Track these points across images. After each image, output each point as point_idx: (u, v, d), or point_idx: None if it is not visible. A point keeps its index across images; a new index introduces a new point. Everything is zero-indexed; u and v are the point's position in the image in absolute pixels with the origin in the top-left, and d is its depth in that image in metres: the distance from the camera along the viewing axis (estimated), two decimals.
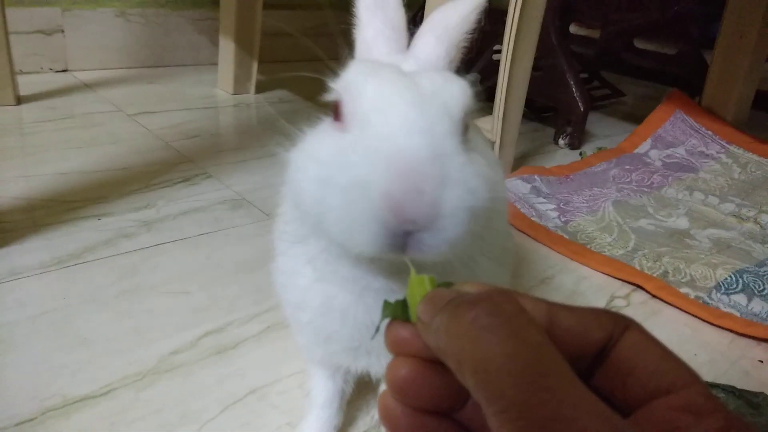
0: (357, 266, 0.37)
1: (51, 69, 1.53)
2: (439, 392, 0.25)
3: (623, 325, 0.24)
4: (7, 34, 1.19)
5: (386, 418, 0.25)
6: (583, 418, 0.18)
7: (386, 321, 0.28)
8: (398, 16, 0.41)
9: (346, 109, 0.33)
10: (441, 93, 0.33)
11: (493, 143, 1.12)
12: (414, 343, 0.25)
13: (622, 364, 0.23)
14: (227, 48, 1.50)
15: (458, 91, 0.34)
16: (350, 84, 0.34)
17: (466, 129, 0.34)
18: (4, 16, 1.17)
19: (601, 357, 0.24)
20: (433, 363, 0.24)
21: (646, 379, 0.22)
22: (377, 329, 0.28)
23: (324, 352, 0.45)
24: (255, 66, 1.53)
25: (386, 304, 0.29)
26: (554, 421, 0.18)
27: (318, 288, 0.41)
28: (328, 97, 0.36)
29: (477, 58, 1.60)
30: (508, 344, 0.20)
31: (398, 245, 0.30)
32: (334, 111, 0.35)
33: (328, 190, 0.31)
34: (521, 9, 1.01)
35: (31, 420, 0.53)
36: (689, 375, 0.22)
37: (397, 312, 0.28)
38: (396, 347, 0.26)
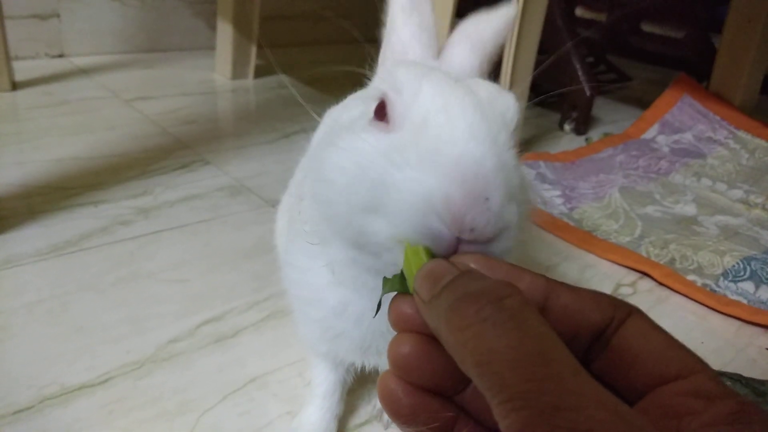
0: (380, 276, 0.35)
1: (47, 54, 1.50)
2: (441, 369, 0.24)
3: (626, 311, 0.24)
4: (2, 18, 1.17)
5: (386, 398, 0.25)
6: (588, 406, 0.18)
7: (388, 297, 0.27)
8: (432, 21, 0.39)
9: (395, 109, 0.32)
10: (497, 103, 0.32)
11: None
12: (417, 319, 0.25)
13: (624, 350, 0.23)
14: (225, 32, 1.48)
15: (511, 103, 0.33)
16: (402, 84, 0.32)
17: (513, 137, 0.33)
18: None
19: (601, 342, 0.24)
20: (436, 340, 0.24)
21: (651, 366, 0.22)
22: (378, 306, 0.28)
23: (330, 348, 0.44)
24: (253, 50, 1.51)
25: (385, 280, 0.28)
26: (559, 410, 0.18)
27: (334, 290, 0.40)
28: (371, 95, 0.34)
29: None
30: (512, 336, 0.20)
31: (448, 249, 0.28)
32: (377, 111, 0.33)
33: (376, 186, 0.29)
34: None
35: (29, 408, 0.52)
36: (696, 362, 0.22)
37: (395, 286, 0.27)
38: (399, 324, 0.26)
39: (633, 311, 0.24)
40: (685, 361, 0.22)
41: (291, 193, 0.55)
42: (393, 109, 0.32)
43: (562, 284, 0.25)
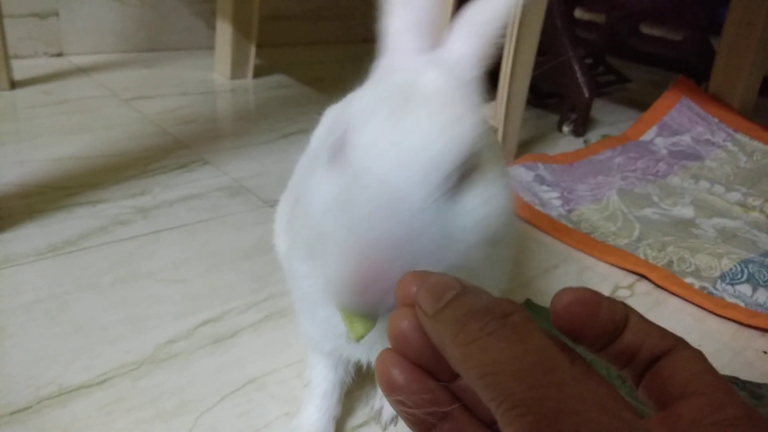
0: None
1: (45, 53, 1.50)
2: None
3: (686, 346, 0.26)
4: (1, 17, 1.17)
5: (381, 372, 0.25)
6: (590, 411, 0.19)
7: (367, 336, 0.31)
8: (430, 10, 0.38)
9: (347, 148, 0.33)
10: (436, 142, 0.31)
11: (496, 130, 1.11)
12: None
13: (664, 370, 0.25)
14: (224, 32, 1.47)
15: (458, 137, 0.32)
16: (355, 119, 0.33)
17: (470, 168, 0.33)
18: None
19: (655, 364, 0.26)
20: None
21: (681, 385, 0.24)
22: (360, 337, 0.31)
23: (337, 345, 0.44)
24: (253, 50, 1.51)
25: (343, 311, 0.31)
26: (562, 414, 0.19)
27: None
28: (337, 130, 0.35)
29: None
30: (515, 348, 0.21)
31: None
32: (339, 143, 0.34)
33: (320, 234, 0.33)
34: None
35: (27, 409, 0.52)
36: (720, 384, 0.23)
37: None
38: (404, 300, 0.26)
39: (692, 348, 0.25)
40: (711, 383, 0.23)
41: (291, 193, 0.55)
42: (346, 147, 0.33)
43: (637, 312, 0.27)
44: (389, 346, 0.26)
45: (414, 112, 0.32)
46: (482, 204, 0.34)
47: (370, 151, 0.31)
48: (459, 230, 0.33)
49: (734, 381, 0.64)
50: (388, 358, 0.25)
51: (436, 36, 0.38)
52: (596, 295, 0.25)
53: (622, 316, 0.25)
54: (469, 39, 0.37)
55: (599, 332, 0.25)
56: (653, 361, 0.25)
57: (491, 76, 0.37)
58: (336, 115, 0.48)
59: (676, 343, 0.25)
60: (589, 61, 1.74)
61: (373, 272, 0.29)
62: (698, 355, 0.25)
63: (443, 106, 0.33)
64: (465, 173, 0.33)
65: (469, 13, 0.38)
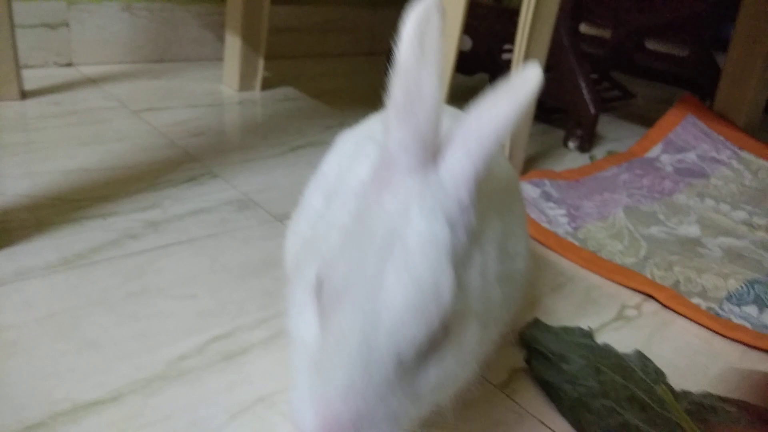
0: None
1: (56, 63, 1.51)
2: None
3: None
4: (12, 27, 1.18)
5: None
6: None
7: None
8: (430, 120, 0.35)
9: (323, 302, 0.34)
10: (411, 316, 0.31)
11: (503, 146, 1.11)
12: None
13: None
14: (233, 44, 1.49)
15: (433, 308, 0.32)
16: (332, 286, 0.33)
17: (446, 328, 0.33)
18: (9, 10, 1.16)
19: None
20: None
21: None
22: None
23: None
24: (261, 62, 1.52)
25: None
26: None
27: None
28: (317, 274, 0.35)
29: (487, 58, 1.59)
30: None
31: None
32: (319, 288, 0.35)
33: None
34: (534, 9, 1.00)
35: (41, 424, 0.53)
36: None
37: None
38: None
39: None
40: None
41: (302, 214, 0.55)
42: (323, 299, 0.34)
43: None
44: None
45: (390, 284, 0.31)
46: (455, 364, 0.34)
47: (345, 320, 0.31)
48: (427, 389, 0.33)
49: (744, 405, 0.64)
50: None
51: (433, 152, 0.35)
52: None
53: None
54: (467, 158, 0.34)
55: None
56: None
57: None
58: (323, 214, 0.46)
59: None
60: (594, 76, 1.75)
61: None
62: None
63: (421, 273, 0.32)
64: (442, 332, 0.33)
65: (470, 123, 0.35)
